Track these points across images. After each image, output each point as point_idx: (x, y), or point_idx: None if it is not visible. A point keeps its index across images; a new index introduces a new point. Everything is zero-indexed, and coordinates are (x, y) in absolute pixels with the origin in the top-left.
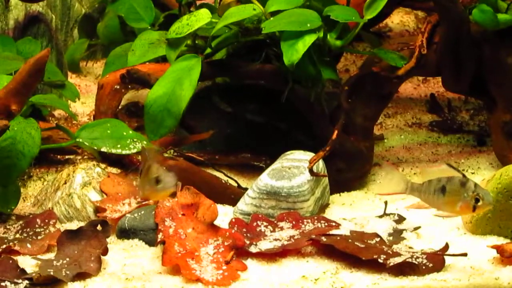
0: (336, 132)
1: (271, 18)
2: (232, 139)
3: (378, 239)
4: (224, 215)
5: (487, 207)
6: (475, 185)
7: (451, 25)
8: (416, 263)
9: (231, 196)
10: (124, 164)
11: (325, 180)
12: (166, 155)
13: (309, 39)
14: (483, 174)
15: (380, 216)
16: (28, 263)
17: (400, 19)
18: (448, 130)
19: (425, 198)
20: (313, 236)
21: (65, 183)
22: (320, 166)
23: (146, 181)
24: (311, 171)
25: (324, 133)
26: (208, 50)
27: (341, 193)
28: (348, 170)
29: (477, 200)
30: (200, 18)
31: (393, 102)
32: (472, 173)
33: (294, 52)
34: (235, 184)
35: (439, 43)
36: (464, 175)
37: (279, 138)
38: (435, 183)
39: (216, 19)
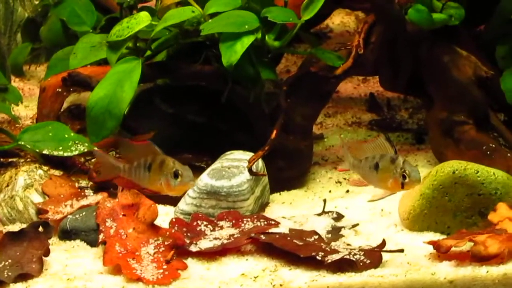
0: (275, 131)
1: (210, 20)
2: (174, 139)
3: (316, 237)
4: (166, 215)
5: (414, 184)
6: (404, 161)
7: (388, 25)
8: (354, 259)
9: (172, 196)
10: (66, 166)
11: (265, 179)
12: None
13: (247, 41)
14: (421, 171)
15: (319, 214)
16: None
17: (341, 20)
18: (387, 128)
19: (363, 174)
20: (253, 235)
21: (8, 185)
22: (260, 165)
23: (160, 175)
24: (250, 170)
25: (264, 133)
26: (148, 52)
27: (281, 192)
28: (288, 169)
29: (404, 177)
30: (140, 21)
31: (334, 102)
32: None
33: (232, 53)
34: None
35: (376, 42)
36: (395, 151)
37: (220, 139)
38: (371, 159)
39: (157, 22)
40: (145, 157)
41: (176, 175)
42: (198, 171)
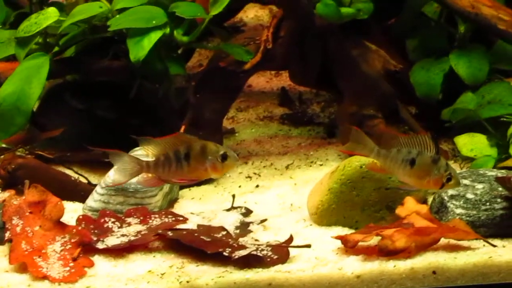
0: (183, 127)
1: (117, 16)
2: (84, 135)
3: (224, 233)
4: (74, 212)
5: (456, 187)
6: (447, 164)
7: (296, 19)
8: (261, 255)
9: (81, 193)
10: None
11: None
12: (17, 153)
13: (154, 36)
14: (331, 165)
15: (228, 210)
16: None
17: (255, 14)
18: (299, 122)
19: (390, 165)
20: (160, 231)
21: None
22: None
23: (203, 161)
24: None
25: (173, 128)
26: (56, 48)
27: (190, 188)
28: None
29: (449, 179)
30: (48, 17)
31: (246, 96)
32: (321, 165)
33: (140, 49)
34: (85, 181)
35: (285, 37)
36: (438, 152)
37: (132, 134)
38: (405, 153)
39: (65, 17)
40: (173, 149)
41: (224, 157)
42: (108, 167)
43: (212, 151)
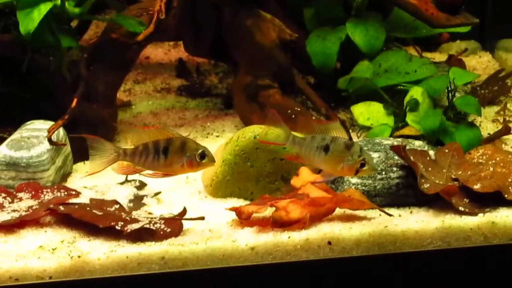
0: (75, 100)
1: None
2: None
3: (117, 206)
4: None
5: (371, 172)
6: (361, 149)
7: None
8: (154, 228)
9: None
10: None
11: (67, 149)
12: None
13: (44, 8)
14: (228, 137)
15: (122, 183)
16: None
17: None
18: (196, 94)
19: (305, 153)
20: (52, 206)
21: None
22: (61, 134)
23: (180, 157)
24: (50, 140)
25: (66, 102)
26: None
27: (85, 161)
28: None
29: (362, 165)
30: None
31: (143, 68)
32: (217, 136)
33: (30, 21)
34: None
35: (177, 7)
36: (350, 138)
37: (25, 109)
38: (319, 140)
39: None
40: (152, 140)
41: (203, 156)
42: (1, 142)
43: (191, 148)
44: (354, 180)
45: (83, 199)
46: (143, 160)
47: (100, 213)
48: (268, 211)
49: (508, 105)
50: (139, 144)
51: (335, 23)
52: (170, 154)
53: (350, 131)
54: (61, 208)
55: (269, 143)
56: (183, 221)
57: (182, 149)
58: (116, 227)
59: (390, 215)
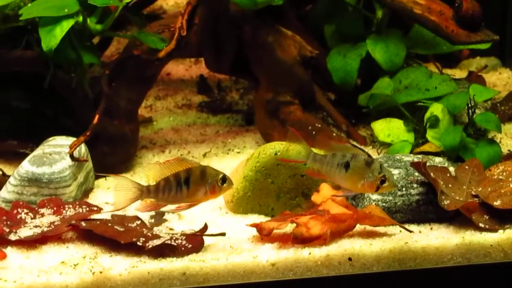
0: (97, 116)
1: (29, 4)
2: None
3: (139, 222)
4: None
5: (392, 188)
6: (381, 166)
7: (209, 6)
8: (175, 244)
9: None
10: None
11: (89, 165)
12: None
13: (66, 24)
14: (249, 153)
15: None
16: None
17: (175, 1)
18: (217, 110)
19: (326, 170)
20: (73, 222)
21: None
22: (83, 151)
23: (202, 185)
24: (71, 156)
25: (88, 118)
26: None
27: (106, 178)
28: (112, 153)
29: (383, 181)
30: None
31: (165, 84)
32: (238, 152)
33: (52, 38)
34: (0, 172)
35: (199, 24)
36: (369, 155)
37: (46, 125)
38: (339, 157)
39: None
40: (172, 173)
41: (224, 180)
42: (22, 158)
43: (212, 175)
44: (375, 196)
45: (105, 215)
46: (166, 195)
47: (122, 229)
48: (288, 227)
49: None
50: (161, 179)
51: (356, 39)
52: (192, 184)
53: (371, 147)
54: (83, 223)
55: (290, 161)
56: (204, 237)
57: (203, 177)
58: (138, 243)
59: (410, 231)
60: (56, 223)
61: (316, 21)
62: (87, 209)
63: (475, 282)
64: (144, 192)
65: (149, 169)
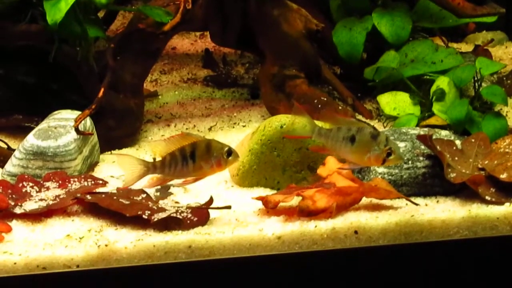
0: (102, 90)
1: None
2: (3, 101)
3: (144, 195)
4: None
5: (398, 161)
6: (387, 139)
7: None
8: (181, 217)
9: (1, 158)
10: None
11: (94, 139)
12: None
13: None
14: (254, 127)
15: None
16: None
17: None
18: (223, 84)
19: (331, 144)
20: (79, 195)
21: None
22: (88, 124)
23: (208, 159)
24: (77, 129)
25: (93, 91)
26: None
27: (112, 151)
28: (118, 127)
29: (389, 154)
30: None
31: (170, 59)
32: (244, 126)
33: (57, 11)
34: (5, 146)
35: None
36: (374, 128)
37: (52, 99)
38: (345, 131)
39: None
40: (177, 149)
41: (229, 153)
42: (27, 131)
43: (217, 148)
44: (381, 169)
45: (110, 188)
46: (172, 170)
47: (127, 202)
48: (294, 201)
49: None
50: (166, 154)
51: (362, 13)
52: (197, 158)
53: (377, 120)
54: (88, 197)
55: (295, 137)
56: (210, 210)
57: (208, 150)
58: (143, 216)
59: (416, 204)
60: (61, 197)
61: None
62: (93, 182)
63: (482, 255)
64: (150, 168)
65: (155, 146)
